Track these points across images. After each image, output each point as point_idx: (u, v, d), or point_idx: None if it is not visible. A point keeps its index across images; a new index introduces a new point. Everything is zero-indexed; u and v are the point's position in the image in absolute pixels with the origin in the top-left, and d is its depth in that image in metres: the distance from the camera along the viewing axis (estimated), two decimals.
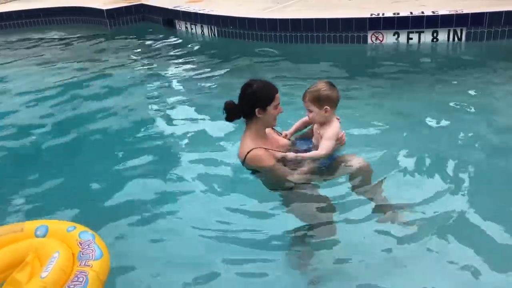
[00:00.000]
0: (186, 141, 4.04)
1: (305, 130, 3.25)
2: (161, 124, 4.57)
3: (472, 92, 4.73)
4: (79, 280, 2.11)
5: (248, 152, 2.86)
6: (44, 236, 2.38)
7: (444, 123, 4.01)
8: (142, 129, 4.45)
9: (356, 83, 5.35)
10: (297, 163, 2.90)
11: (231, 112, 2.95)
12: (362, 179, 2.90)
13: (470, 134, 3.80)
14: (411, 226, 2.67)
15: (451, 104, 4.43)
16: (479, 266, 2.45)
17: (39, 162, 4.04)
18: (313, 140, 3.08)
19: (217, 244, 2.74)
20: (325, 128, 2.90)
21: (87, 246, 2.29)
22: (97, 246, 2.33)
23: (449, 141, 3.69)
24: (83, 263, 2.20)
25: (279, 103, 2.90)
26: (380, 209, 2.79)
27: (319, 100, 2.80)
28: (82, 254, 2.25)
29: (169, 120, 4.63)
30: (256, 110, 2.85)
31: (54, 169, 3.88)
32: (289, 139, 3.21)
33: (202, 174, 3.39)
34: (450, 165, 3.34)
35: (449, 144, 3.66)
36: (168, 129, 4.42)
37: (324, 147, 2.84)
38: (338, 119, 3.00)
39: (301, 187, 2.84)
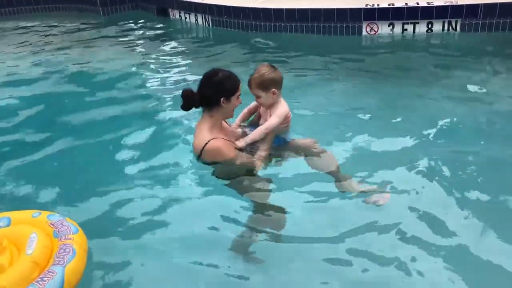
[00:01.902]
0: (177, 131, 3.95)
1: (250, 118, 3.26)
2: (153, 114, 4.49)
3: (466, 84, 4.72)
4: (66, 251, 2.19)
5: (206, 144, 2.80)
6: (7, 226, 2.38)
7: (438, 113, 4.01)
8: (133, 120, 4.36)
9: (350, 73, 5.35)
10: (252, 146, 2.95)
11: (189, 101, 2.86)
12: (318, 158, 3.03)
13: (464, 125, 3.82)
14: (370, 187, 2.88)
15: (446, 95, 4.45)
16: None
17: (22, 152, 3.95)
18: (261, 122, 3.09)
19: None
20: (274, 108, 2.94)
21: (60, 225, 2.35)
22: (70, 224, 2.39)
23: (442, 131, 3.70)
24: (63, 238, 2.27)
25: (240, 94, 2.88)
26: (338, 177, 2.96)
27: (265, 85, 2.84)
28: (58, 232, 2.31)
29: (162, 110, 4.56)
30: (222, 99, 2.81)
31: (37, 158, 3.81)
32: (240, 128, 3.19)
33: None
34: (442, 154, 3.35)
35: (442, 133, 3.67)
36: (160, 120, 4.34)
37: (269, 122, 2.90)
38: None
39: (251, 174, 2.90)
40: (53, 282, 2.03)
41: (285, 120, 2.96)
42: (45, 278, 2.05)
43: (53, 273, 2.07)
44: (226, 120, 3.16)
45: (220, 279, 2.48)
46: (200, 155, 2.85)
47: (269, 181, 2.94)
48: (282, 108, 2.92)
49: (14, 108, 4.88)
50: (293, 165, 3.08)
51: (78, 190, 3.31)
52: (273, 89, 2.85)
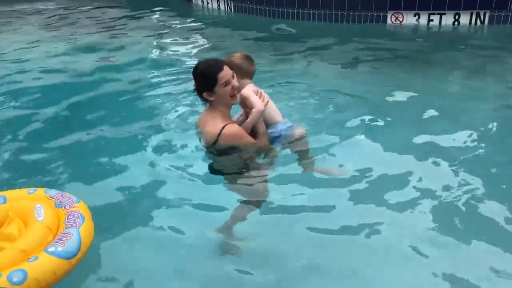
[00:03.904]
0: (190, 119, 3.79)
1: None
2: (170, 100, 4.34)
3: (492, 77, 4.55)
4: (75, 216, 2.23)
5: (222, 128, 2.71)
6: (2, 204, 2.36)
7: (462, 108, 3.83)
8: (150, 104, 4.29)
9: (372, 64, 5.20)
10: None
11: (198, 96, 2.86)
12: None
13: (489, 120, 3.61)
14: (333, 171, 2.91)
15: (472, 90, 4.25)
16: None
17: (40, 134, 3.87)
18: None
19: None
20: (241, 92, 2.95)
21: (61, 197, 2.38)
22: (71, 195, 2.41)
23: (465, 125, 3.51)
24: (68, 206, 2.30)
25: (227, 81, 2.73)
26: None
27: (230, 68, 2.85)
28: (60, 202, 2.33)
29: (178, 96, 4.41)
30: (204, 93, 2.74)
31: (51, 141, 3.70)
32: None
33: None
34: (465, 149, 3.19)
35: (465, 127, 3.48)
36: (177, 105, 4.17)
37: (252, 103, 2.86)
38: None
39: (253, 169, 2.86)
40: (72, 242, 2.08)
41: (260, 96, 2.91)
42: (63, 239, 2.08)
43: (70, 234, 2.11)
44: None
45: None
46: (215, 142, 2.76)
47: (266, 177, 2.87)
48: (244, 90, 2.90)
49: (31, 90, 4.84)
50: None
51: (81, 173, 3.21)
52: (234, 74, 2.85)
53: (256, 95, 2.89)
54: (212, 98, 2.74)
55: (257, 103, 2.84)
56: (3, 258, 1.99)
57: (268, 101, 2.94)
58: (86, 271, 2.23)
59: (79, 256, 2.07)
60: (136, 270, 2.34)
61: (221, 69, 2.71)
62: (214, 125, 2.75)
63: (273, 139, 2.96)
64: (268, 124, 2.96)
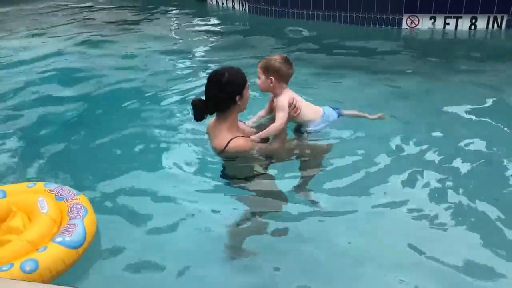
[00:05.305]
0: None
1: (268, 117, 3.19)
2: (183, 101, 4.30)
3: (509, 84, 4.47)
4: (78, 207, 2.30)
5: (228, 143, 2.72)
6: (3, 198, 2.39)
7: (476, 117, 3.71)
8: (161, 104, 4.27)
9: (387, 66, 5.16)
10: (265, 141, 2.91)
11: (201, 110, 2.77)
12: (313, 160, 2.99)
13: (503, 128, 3.57)
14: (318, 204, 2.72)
15: (488, 97, 4.08)
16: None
17: (39, 131, 3.89)
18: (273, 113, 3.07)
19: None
20: (277, 99, 2.94)
21: (60, 190, 2.43)
22: (71, 188, 2.47)
23: (478, 133, 3.42)
24: (70, 199, 2.36)
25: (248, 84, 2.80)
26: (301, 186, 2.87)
27: (267, 69, 2.88)
28: (61, 195, 2.39)
29: (192, 97, 4.41)
30: (237, 97, 2.73)
31: (52, 140, 3.72)
32: (252, 127, 3.11)
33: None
34: (485, 157, 3.11)
35: (479, 135, 3.37)
36: (184, 107, 4.13)
37: (278, 118, 2.88)
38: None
39: (264, 176, 2.83)
40: (78, 233, 2.15)
41: (294, 108, 2.91)
42: (69, 229, 2.15)
43: (75, 225, 2.18)
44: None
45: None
46: (223, 151, 2.77)
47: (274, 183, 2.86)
48: (282, 99, 2.90)
49: (37, 89, 4.88)
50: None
51: (81, 170, 3.23)
52: (272, 77, 2.88)
53: (291, 106, 2.88)
54: (239, 102, 2.74)
55: (279, 120, 2.85)
56: (13, 249, 2.07)
57: (299, 112, 2.94)
58: (88, 261, 2.26)
59: (85, 246, 2.14)
60: (139, 268, 2.34)
61: (243, 73, 2.77)
62: (221, 138, 2.76)
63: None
64: (302, 123, 3.03)
